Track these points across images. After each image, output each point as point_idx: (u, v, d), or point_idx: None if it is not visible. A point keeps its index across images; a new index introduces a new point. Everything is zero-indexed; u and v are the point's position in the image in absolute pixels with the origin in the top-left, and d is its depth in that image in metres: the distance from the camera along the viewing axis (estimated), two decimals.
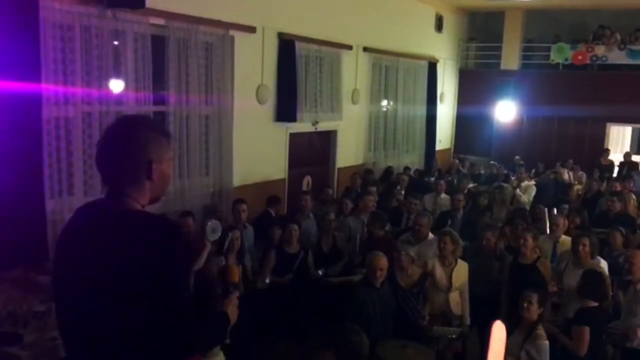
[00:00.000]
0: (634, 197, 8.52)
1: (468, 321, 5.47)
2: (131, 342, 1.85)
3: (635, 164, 12.74)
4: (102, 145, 2.01)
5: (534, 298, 4.46)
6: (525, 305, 4.48)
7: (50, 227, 5.68)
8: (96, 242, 1.88)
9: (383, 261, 4.96)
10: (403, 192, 9.19)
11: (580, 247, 5.37)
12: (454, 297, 5.48)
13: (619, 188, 8.99)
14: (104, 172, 2.01)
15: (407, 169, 11.54)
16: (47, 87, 5.49)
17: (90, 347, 1.90)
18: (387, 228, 6.83)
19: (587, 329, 4.37)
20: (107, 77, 6.16)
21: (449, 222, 7.43)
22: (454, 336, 5.22)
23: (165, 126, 2.20)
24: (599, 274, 4.82)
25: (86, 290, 1.87)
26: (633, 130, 15.48)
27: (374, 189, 8.37)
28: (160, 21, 6.62)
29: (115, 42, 6.26)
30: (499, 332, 1.70)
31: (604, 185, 10.35)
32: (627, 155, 13.34)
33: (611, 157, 13.31)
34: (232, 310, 2.20)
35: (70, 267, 1.95)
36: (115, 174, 1.98)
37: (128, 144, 1.95)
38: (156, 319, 1.83)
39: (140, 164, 1.96)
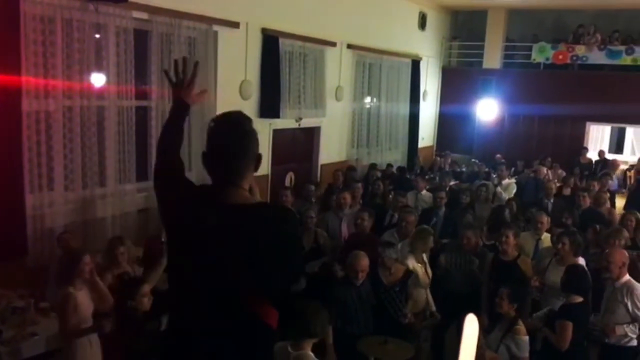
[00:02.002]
0: (606, 195, 8.63)
1: (434, 308, 5.66)
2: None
3: (609, 161, 12.97)
4: (220, 143, 2.21)
5: (504, 294, 4.54)
6: (497, 300, 4.57)
7: (29, 222, 5.63)
8: (230, 237, 2.10)
9: (365, 262, 4.97)
10: (390, 188, 9.16)
11: (560, 246, 5.45)
12: (429, 291, 5.59)
13: (596, 187, 9.10)
14: (222, 166, 2.20)
15: (389, 166, 11.59)
16: (28, 80, 5.43)
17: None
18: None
19: (570, 324, 4.45)
20: (88, 71, 6.11)
21: (434, 219, 7.48)
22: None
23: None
24: (582, 268, 4.89)
25: (216, 274, 2.13)
26: (612, 130, 15.70)
27: (359, 185, 8.35)
28: (143, 15, 6.57)
29: (97, 36, 6.21)
30: (471, 324, 1.73)
31: (583, 183, 10.48)
32: (601, 153, 13.57)
33: (590, 155, 13.52)
34: (256, 193, 2.39)
35: (201, 259, 2.15)
36: (235, 168, 2.19)
37: (248, 140, 2.20)
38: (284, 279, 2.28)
39: (255, 158, 2.23)
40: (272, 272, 2.14)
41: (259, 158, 2.24)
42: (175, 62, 2.47)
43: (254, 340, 2.18)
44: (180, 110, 2.47)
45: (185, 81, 2.44)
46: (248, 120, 2.26)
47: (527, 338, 4.45)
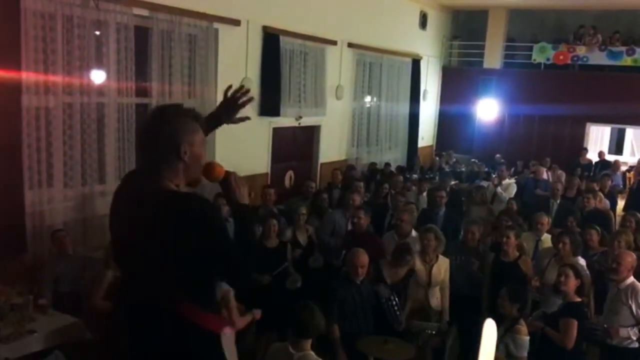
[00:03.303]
0: (600, 194, 8.63)
1: (447, 317, 5.51)
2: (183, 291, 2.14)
3: (609, 162, 12.98)
4: (139, 134, 2.31)
5: (504, 294, 4.55)
6: (499, 301, 4.59)
7: (28, 219, 5.61)
8: (140, 221, 2.11)
9: (364, 258, 4.96)
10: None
11: (561, 245, 5.46)
12: (433, 292, 5.52)
13: (596, 188, 9.10)
14: (143, 155, 2.26)
15: (387, 165, 11.55)
16: (28, 76, 5.40)
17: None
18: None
19: (575, 322, 4.45)
20: (88, 68, 6.09)
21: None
22: (433, 332, 5.25)
23: (196, 111, 2.31)
24: (575, 268, 4.88)
25: (138, 256, 2.15)
26: (612, 131, 15.69)
27: (360, 184, 8.33)
28: (143, 12, 6.55)
29: (98, 33, 6.18)
30: (490, 328, 1.75)
31: (583, 184, 10.47)
32: (601, 154, 13.57)
33: (589, 156, 13.51)
34: (242, 194, 2.32)
35: (122, 238, 2.24)
36: (151, 157, 2.20)
37: (160, 130, 2.17)
38: (207, 271, 2.17)
39: (172, 148, 2.15)
40: (185, 264, 2.09)
41: (177, 149, 2.15)
42: (241, 87, 2.62)
43: (182, 342, 2.15)
44: (213, 121, 2.63)
45: (234, 104, 2.60)
46: (169, 110, 2.24)
47: (527, 338, 4.44)
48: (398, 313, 5.19)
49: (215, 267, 2.17)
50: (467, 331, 4.69)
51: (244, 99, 2.58)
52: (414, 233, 6.31)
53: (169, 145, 2.14)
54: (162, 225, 2.06)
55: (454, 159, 13.44)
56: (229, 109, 2.59)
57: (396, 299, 5.22)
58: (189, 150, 2.17)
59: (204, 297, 2.20)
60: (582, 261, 5.63)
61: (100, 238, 6.17)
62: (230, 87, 2.60)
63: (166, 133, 2.15)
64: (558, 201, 8.51)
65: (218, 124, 2.62)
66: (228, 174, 2.30)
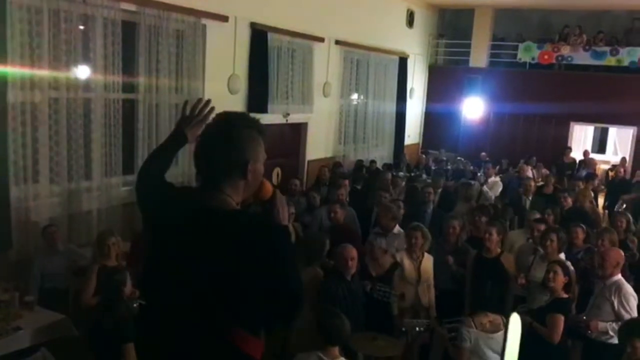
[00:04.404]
0: (590, 193, 8.72)
1: (434, 313, 5.56)
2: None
3: (593, 161, 13.18)
4: (201, 142, 2.08)
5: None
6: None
7: (14, 215, 5.55)
8: (197, 242, 1.93)
9: (352, 251, 4.99)
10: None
11: (548, 243, 5.52)
12: (422, 289, 5.56)
13: (581, 186, 9.19)
14: (201, 168, 2.05)
15: (373, 162, 11.58)
16: (13, 71, 5.35)
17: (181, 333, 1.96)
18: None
19: (562, 317, 4.54)
20: (75, 63, 6.05)
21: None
22: (422, 328, 5.29)
23: (260, 122, 2.11)
24: (564, 265, 4.95)
25: (182, 282, 1.94)
26: (595, 130, 15.87)
27: (346, 182, 8.35)
28: (131, 7, 6.51)
29: (84, 27, 6.13)
30: (515, 323, 1.84)
31: (565, 183, 10.60)
32: (586, 153, 13.75)
33: (574, 155, 13.67)
34: (284, 215, 2.17)
35: (167, 262, 2.01)
36: (212, 171, 2.02)
37: (227, 143, 1.99)
38: (265, 308, 1.95)
39: (237, 164, 1.99)
40: (244, 291, 1.90)
41: (244, 165, 1.99)
42: (199, 100, 2.34)
43: None
44: (177, 141, 2.32)
45: (196, 120, 2.31)
46: (238, 122, 2.06)
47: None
48: (391, 297, 5.22)
49: (275, 298, 1.96)
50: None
51: (206, 110, 2.32)
52: (397, 228, 6.35)
53: (235, 162, 1.99)
54: (229, 247, 1.89)
55: (444, 157, 13.50)
56: (189, 124, 2.32)
57: (380, 283, 5.26)
58: (253, 167, 2.02)
59: (256, 322, 2.03)
60: (562, 256, 5.70)
61: (86, 234, 6.14)
62: (186, 102, 2.36)
63: (232, 148, 1.99)
64: (530, 198, 8.62)
65: (183, 144, 2.34)
66: (274, 192, 2.18)
